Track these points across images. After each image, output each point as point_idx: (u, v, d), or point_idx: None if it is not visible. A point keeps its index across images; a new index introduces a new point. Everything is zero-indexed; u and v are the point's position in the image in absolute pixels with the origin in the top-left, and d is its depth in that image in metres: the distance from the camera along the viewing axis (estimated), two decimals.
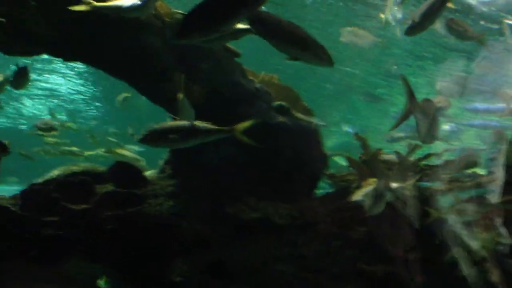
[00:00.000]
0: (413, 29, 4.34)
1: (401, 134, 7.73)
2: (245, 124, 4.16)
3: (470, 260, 4.72)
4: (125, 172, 5.38)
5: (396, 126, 4.89)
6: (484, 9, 7.90)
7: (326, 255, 5.04)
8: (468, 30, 4.77)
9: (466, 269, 4.69)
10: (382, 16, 6.53)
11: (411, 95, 4.54)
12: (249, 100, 5.58)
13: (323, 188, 6.24)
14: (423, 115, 4.71)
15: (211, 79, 5.40)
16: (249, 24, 3.35)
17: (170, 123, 4.20)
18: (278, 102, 5.82)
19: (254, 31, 3.40)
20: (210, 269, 4.95)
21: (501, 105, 5.13)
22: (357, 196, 4.82)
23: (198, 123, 4.10)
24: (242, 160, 5.43)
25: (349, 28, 7.62)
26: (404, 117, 4.78)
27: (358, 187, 5.15)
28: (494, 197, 4.80)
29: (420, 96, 4.90)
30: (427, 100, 4.73)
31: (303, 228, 5.20)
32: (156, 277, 5.00)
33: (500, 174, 4.89)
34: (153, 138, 4.05)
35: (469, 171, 5.08)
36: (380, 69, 10.98)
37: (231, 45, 5.51)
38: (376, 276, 4.81)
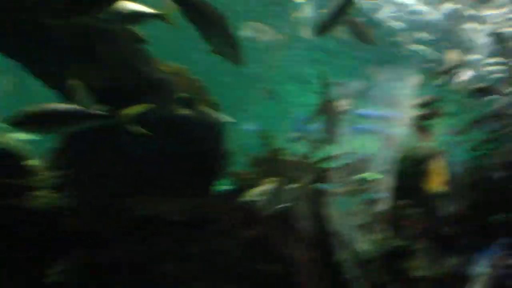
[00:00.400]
0: (322, 28, 4.37)
1: (302, 134, 7.84)
2: (132, 110, 3.79)
3: (359, 261, 4.90)
4: (3, 160, 4.84)
5: (304, 124, 4.98)
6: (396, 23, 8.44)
7: (221, 254, 4.94)
8: (365, 32, 4.90)
9: (355, 270, 4.86)
10: (295, 15, 6.55)
11: (324, 96, 4.63)
12: (151, 90, 5.29)
13: (225, 185, 6.13)
14: (328, 117, 4.86)
15: (109, 63, 5.02)
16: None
17: (49, 105, 3.72)
18: (183, 94, 5.59)
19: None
20: (96, 267, 4.62)
21: (396, 112, 5.40)
22: (252, 195, 4.79)
23: (82, 107, 3.69)
24: (139, 153, 5.14)
25: (250, 23, 7.55)
26: (315, 116, 4.88)
27: (255, 185, 5.12)
28: (384, 202, 5.04)
29: (322, 98, 5.02)
30: (331, 102, 4.87)
31: (199, 225, 5.05)
32: (36, 278, 4.57)
33: (390, 179, 5.15)
34: (27, 122, 3.57)
35: (363, 175, 5.27)
36: (283, 68, 11.16)
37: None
38: (271, 276, 4.81)
